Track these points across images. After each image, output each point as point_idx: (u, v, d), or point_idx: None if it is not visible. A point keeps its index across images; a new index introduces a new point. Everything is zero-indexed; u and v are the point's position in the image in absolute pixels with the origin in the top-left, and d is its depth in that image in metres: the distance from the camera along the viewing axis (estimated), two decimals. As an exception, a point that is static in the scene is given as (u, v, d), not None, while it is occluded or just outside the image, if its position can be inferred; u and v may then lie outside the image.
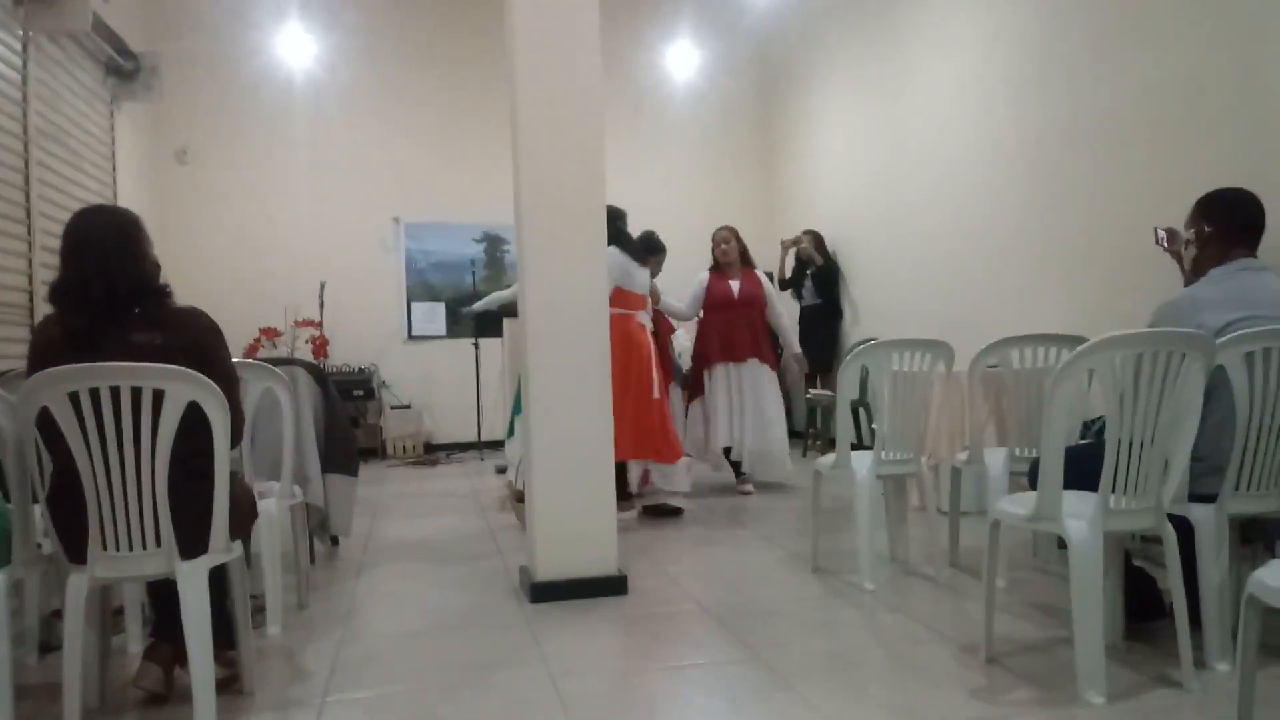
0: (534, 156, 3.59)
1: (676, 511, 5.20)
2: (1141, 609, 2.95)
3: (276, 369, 3.39)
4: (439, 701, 2.59)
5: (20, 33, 5.16)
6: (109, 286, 2.37)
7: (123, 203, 6.40)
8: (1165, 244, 3.54)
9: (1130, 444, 2.45)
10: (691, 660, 2.87)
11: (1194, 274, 2.97)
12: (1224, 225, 2.88)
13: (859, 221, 7.50)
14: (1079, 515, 2.48)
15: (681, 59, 9.01)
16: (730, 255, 5.87)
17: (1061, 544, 2.51)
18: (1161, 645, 2.76)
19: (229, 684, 2.64)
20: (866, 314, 7.44)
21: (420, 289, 8.55)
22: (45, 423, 2.24)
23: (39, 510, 2.50)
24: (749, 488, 5.79)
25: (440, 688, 2.70)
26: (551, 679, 2.71)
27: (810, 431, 7.68)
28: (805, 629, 3.15)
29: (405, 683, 2.76)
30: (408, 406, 8.34)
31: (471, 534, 4.89)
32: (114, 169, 6.62)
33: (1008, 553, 3.68)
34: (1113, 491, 2.47)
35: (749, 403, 5.71)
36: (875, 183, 7.24)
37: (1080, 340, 2.80)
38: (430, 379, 8.46)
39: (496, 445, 7.39)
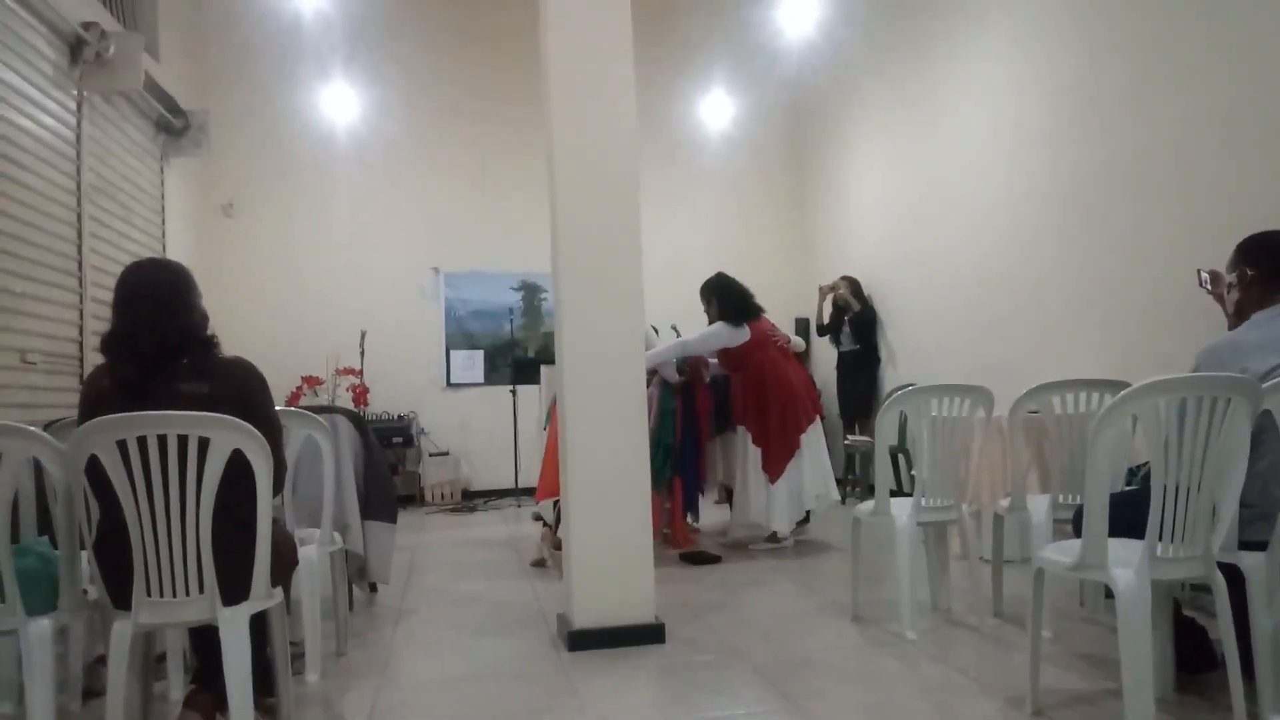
0: (570, 206, 3.64)
1: (715, 559, 5.16)
2: (1192, 661, 2.87)
3: (318, 416, 3.43)
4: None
5: (75, 92, 5.34)
6: (159, 337, 2.43)
7: (171, 254, 6.57)
8: (1209, 286, 3.49)
9: (1176, 490, 2.40)
10: (729, 711, 2.84)
11: (1237, 318, 2.93)
12: (1267, 268, 2.84)
13: (893, 265, 7.49)
14: (1126, 564, 2.43)
15: (715, 108, 9.12)
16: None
17: (1109, 593, 2.46)
18: (1213, 698, 2.68)
19: (268, 732, 2.65)
20: (902, 358, 7.40)
21: (459, 337, 8.64)
22: (93, 470, 2.29)
23: (86, 557, 2.54)
24: (786, 541, 5.64)
25: (477, 737, 2.68)
26: (589, 729, 2.69)
27: (849, 478, 7.61)
28: (845, 679, 3.11)
29: (443, 732, 2.75)
30: (446, 454, 8.39)
31: (509, 580, 4.88)
32: (163, 222, 6.80)
33: (1053, 602, 3.61)
34: (1160, 539, 2.42)
35: (811, 463, 5.58)
36: (909, 226, 7.25)
37: (1122, 385, 2.77)
38: (468, 426, 8.51)
39: (533, 491, 7.40)
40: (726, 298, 5.70)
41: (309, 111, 8.29)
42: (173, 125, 6.71)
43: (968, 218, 6.36)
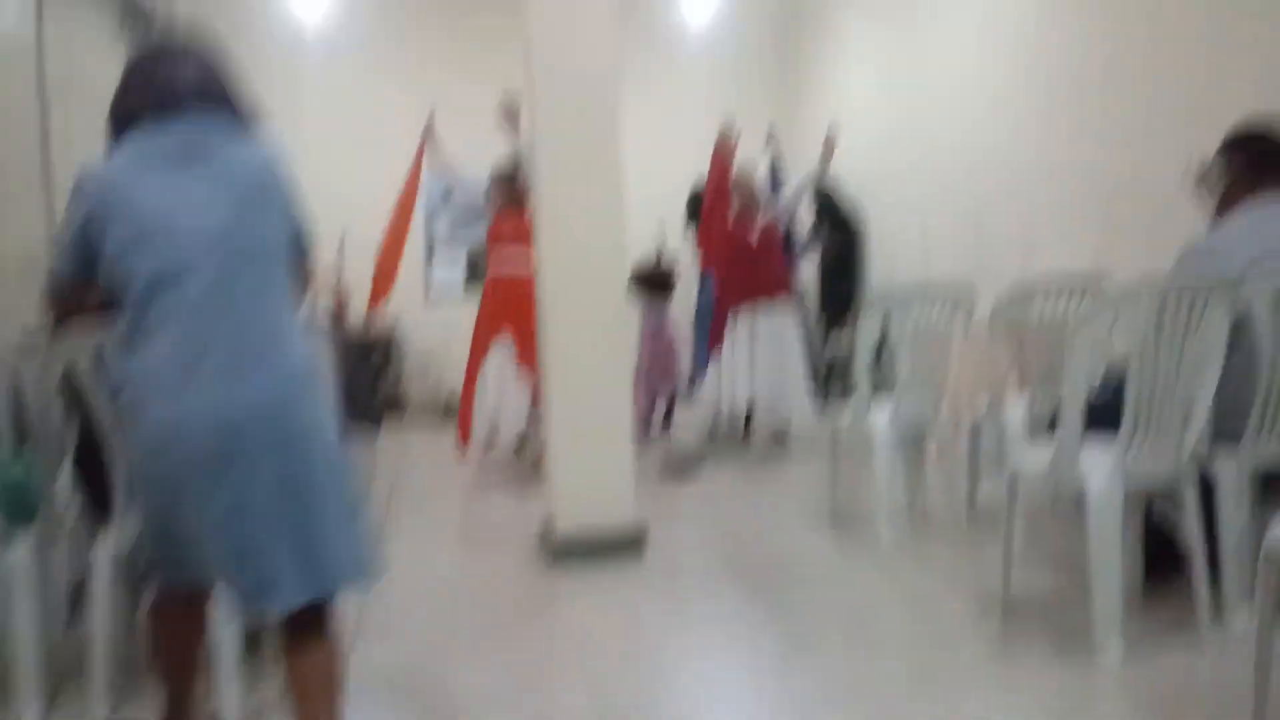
0: (549, 100, 3.54)
1: (700, 460, 5.18)
2: (1160, 562, 2.93)
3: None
4: (458, 670, 2.62)
5: (31, -10, 5.13)
6: None
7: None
8: (1200, 177, 3.41)
9: (1151, 394, 2.41)
10: (711, 619, 2.88)
11: (1221, 207, 2.87)
12: (1253, 158, 2.76)
13: (879, 167, 7.37)
14: (1097, 469, 2.46)
15: (697, 2, 8.87)
16: (751, 202, 5.75)
17: (1081, 497, 2.49)
18: (1180, 599, 2.74)
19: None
20: (886, 263, 7.36)
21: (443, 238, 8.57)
22: (67, 383, 2.26)
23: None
24: (761, 443, 5.72)
25: (460, 652, 2.73)
26: (573, 642, 2.73)
27: (828, 378, 7.65)
28: (823, 585, 3.17)
29: (425, 649, 2.78)
30: (428, 366, 8.36)
31: (491, 493, 4.91)
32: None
33: (1026, 502, 3.66)
34: (1132, 442, 2.44)
35: (773, 353, 5.59)
36: (896, 127, 7.11)
37: (1102, 278, 2.73)
38: (451, 336, 8.45)
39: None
40: None
41: (277, 10, 8.02)
42: (136, 25, 6.47)
43: (962, 111, 6.23)
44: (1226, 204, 2.83)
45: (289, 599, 1.77)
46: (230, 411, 1.74)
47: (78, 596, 2.92)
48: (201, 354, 1.75)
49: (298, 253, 2.04)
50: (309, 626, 1.84)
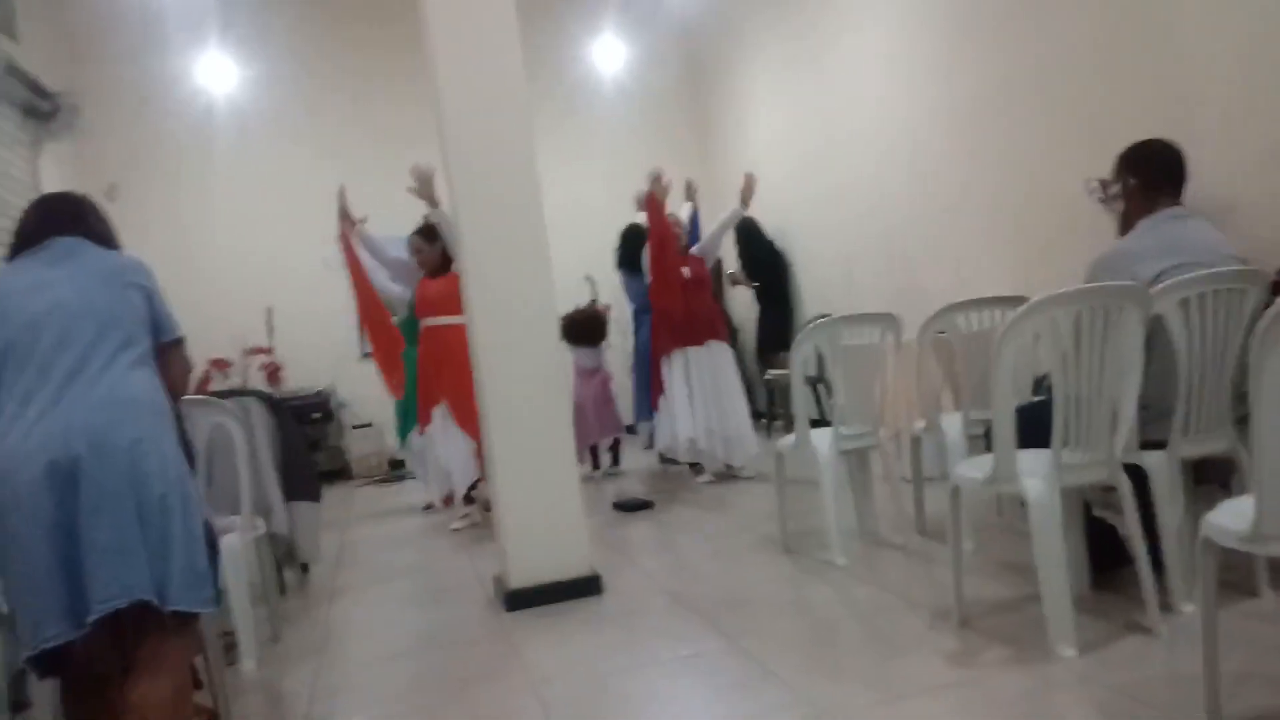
0: (464, 162, 3.56)
1: (647, 504, 5.21)
2: (1105, 559, 3.00)
3: (225, 402, 3.34)
4: (421, 718, 2.58)
5: (-71, 82, 5.03)
6: None
7: (54, 246, 6.25)
8: (1100, 195, 3.58)
9: (1077, 399, 2.49)
10: (671, 654, 2.88)
11: (1124, 226, 3.02)
12: (1147, 176, 2.94)
13: (798, 203, 7.54)
14: (1035, 473, 2.52)
15: (607, 53, 9.01)
16: (679, 242, 5.85)
17: (1024, 502, 2.55)
18: (1128, 593, 2.81)
19: (206, 726, 2.61)
20: (815, 294, 7.49)
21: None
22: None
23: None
24: (708, 478, 5.78)
25: (421, 710, 2.69)
26: (532, 687, 2.70)
27: (770, 410, 7.74)
28: (780, 611, 3.18)
29: (386, 708, 2.74)
30: (369, 425, 8.25)
31: (442, 548, 4.86)
32: (42, 212, 6.46)
33: (973, 514, 3.72)
34: (1064, 446, 2.51)
35: (710, 388, 5.66)
36: (811, 163, 7.29)
37: (1022, 301, 2.84)
38: (388, 395, 8.36)
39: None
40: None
41: (186, 84, 7.93)
42: (41, 109, 6.36)
43: (867, 148, 6.42)
44: (1129, 219, 2.98)
45: (124, 592, 1.87)
46: (48, 439, 1.88)
47: (21, 683, 2.84)
48: (28, 400, 1.94)
49: (164, 336, 2.25)
50: (152, 655, 1.97)
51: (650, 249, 5.68)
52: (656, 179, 5.57)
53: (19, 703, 2.90)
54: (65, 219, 2.29)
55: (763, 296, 7.80)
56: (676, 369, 5.67)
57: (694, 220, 6.35)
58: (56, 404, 1.92)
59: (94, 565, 1.86)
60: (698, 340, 5.67)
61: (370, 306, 5.52)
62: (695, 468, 5.82)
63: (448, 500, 5.40)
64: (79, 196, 2.44)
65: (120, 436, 1.92)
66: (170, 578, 1.94)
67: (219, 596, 2.17)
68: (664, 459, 6.25)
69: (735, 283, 8.04)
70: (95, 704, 2.09)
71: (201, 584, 2.00)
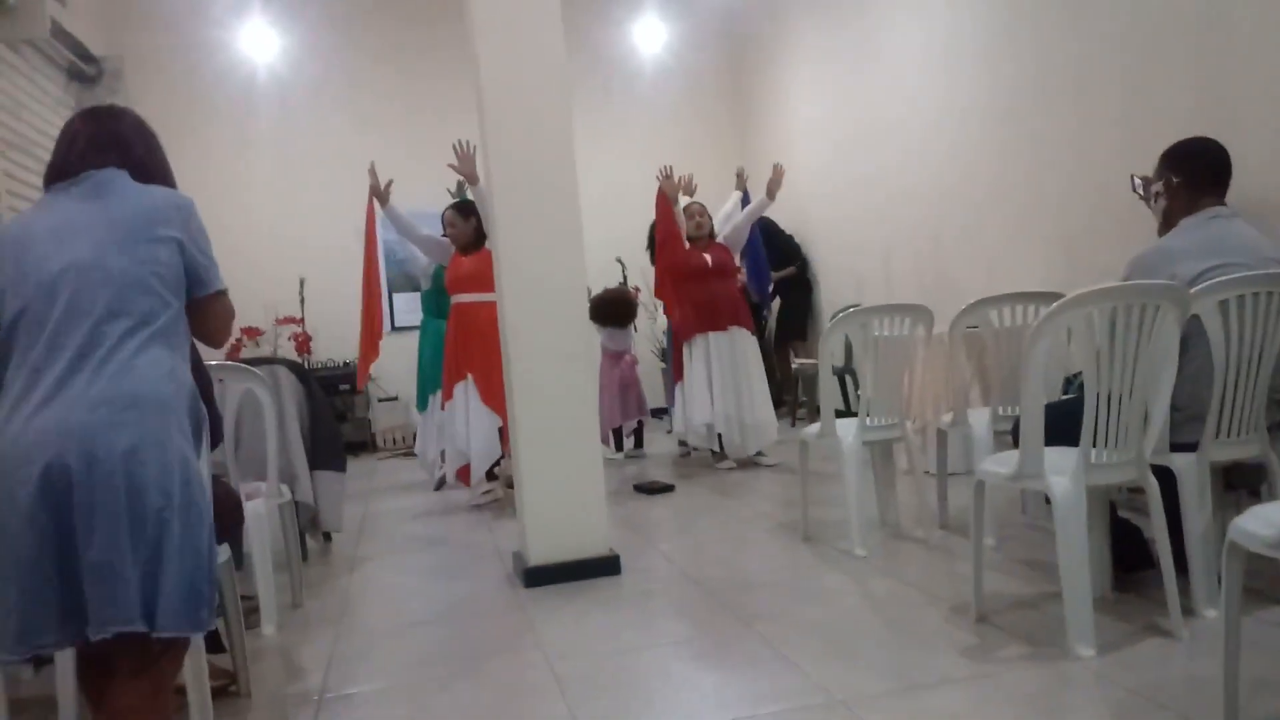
0: (502, 139, 3.57)
1: (668, 488, 5.21)
2: (1129, 560, 2.97)
3: (255, 369, 3.37)
4: (436, 693, 2.60)
5: (-23, 42, 5.09)
6: None
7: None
8: (1142, 191, 3.53)
9: (1109, 398, 2.46)
10: (687, 635, 2.89)
11: (1165, 225, 2.98)
12: (1191, 174, 2.89)
13: (833, 189, 7.48)
14: (1061, 471, 2.49)
15: (648, 34, 8.95)
16: (704, 229, 5.86)
17: (1049, 500, 2.53)
18: (1150, 595, 2.78)
19: (224, 689, 2.64)
20: (844, 282, 7.44)
21: (401, 279, 8.47)
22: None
23: None
24: (729, 464, 5.77)
25: (437, 679, 2.71)
26: (548, 663, 2.72)
27: (791, 400, 7.72)
28: (798, 598, 3.17)
29: (402, 676, 2.77)
30: (395, 398, 8.31)
31: (464, 522, 4.89)
32: (83, 175, 6.54)
33: (996, 511, 3.70)
34: (1094, 445, 2.48)
35: (731, 374, 5.65)
36: (847, 151, 7.22)
37: (1058, 297, 2.81)
38: (415, 369, 8.41)
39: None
40: None
41: (228, 53, 7.99)
42: (85, 73, 6.44)
43: (905, 137, 6.35)
44: (1170, 219, 2.93)
45: (114, 621, 1.74)
46: (43, 437, 1.74)
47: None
48: (34, 380, 1.80)
49: (198, 291, 2.05)
50: (128, 662, 1.85)
51: (657, 242, 5.83)
52: (667, 177, 5.66)
53: (39, 659, 2.95)
54: (107, 146, 2.07)
55: (780, 286, 7.77)
56: (697, 354, 5.68)
57: (745, 202, 6.35)
58: (58, 394, 1.78)
59: (88, 584, 1.75)
60: (720, 325, 5.66)
61: (372, 293, 5.71)
62: (717, 454, 5.82)
63: (462, 474, 5.29)
64: (130, 118, 2.18)
65: (115, 444, 1.77)
66: (161, 598, 1.79)
67: (222, 608, 2.00)
68: (681, 444, 6.25)
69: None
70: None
71: (196, 604, 1.84)
